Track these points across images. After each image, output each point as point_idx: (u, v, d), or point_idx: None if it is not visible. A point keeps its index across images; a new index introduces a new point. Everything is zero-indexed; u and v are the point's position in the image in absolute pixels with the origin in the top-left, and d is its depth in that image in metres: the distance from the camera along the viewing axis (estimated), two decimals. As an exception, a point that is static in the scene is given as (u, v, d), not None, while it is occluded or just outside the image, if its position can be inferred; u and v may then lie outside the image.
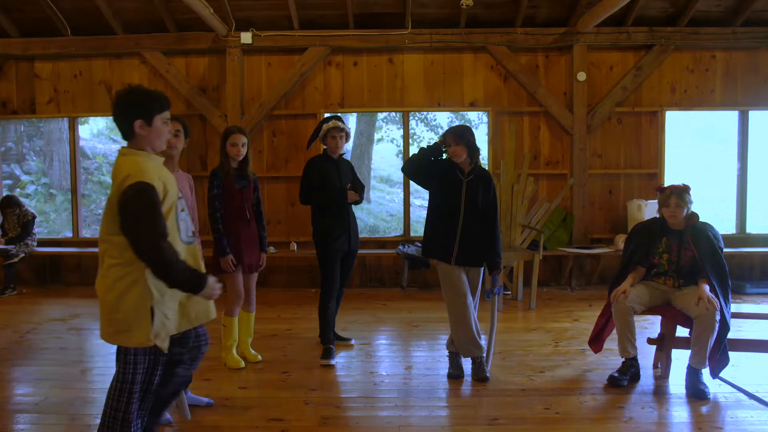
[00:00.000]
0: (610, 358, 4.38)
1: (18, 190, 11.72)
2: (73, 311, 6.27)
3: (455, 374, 4.16)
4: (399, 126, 13.08)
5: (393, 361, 4.70)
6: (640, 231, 4.27)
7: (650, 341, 4.33)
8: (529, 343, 5.00)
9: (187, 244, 2.72)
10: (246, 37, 7.28)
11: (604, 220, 7.58)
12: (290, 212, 7.58)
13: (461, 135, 4.01)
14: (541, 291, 6.99)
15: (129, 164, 2.53)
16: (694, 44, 7.34)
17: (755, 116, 7.52)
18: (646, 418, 3.50)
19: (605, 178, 7.54)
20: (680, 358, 4.11)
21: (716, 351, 3.80)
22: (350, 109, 7.75)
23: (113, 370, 2.69)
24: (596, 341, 4.28)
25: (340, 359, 4.63)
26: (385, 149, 14.17)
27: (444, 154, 4.13)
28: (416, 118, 13.34)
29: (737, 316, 4.30)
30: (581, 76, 7.28)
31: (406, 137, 7.87)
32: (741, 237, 7.49)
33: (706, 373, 3.88)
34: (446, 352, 4.30)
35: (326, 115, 4.95)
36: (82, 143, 9.82)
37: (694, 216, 4.09)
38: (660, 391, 3.91)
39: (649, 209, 6.85)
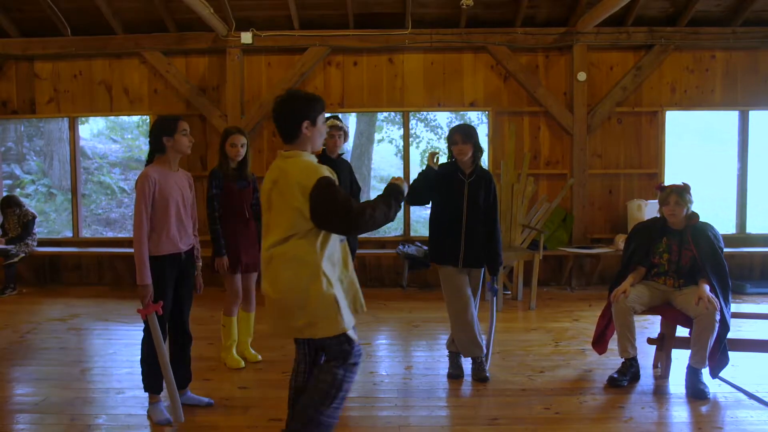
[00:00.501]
0: (610, 358, 4.38)
1: (18, 190, 11.73)
2: (72, 311, 6.27)
3: (455, 374, 4.16)
4: (399, 126, 13.08)
5: (393, 361, 4.71)
6: (641, 231, 4.27)
7: (650, 341, 4.33)
8: (529, 343, 5.00)
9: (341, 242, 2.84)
10: (246, 37, 7.28)
11: (604, 220, 7.58)
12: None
13: (470, 134, 4.02)
14: (541, 291, 6.99)
15: (301, 165, 2.69)
16: (694, 44, 7.34)
17: (755, 116, 7.52)
18: (646, 418, 3.50)
19: (605, 178, 7.54)
20: (680, 358, 4.11)
21: (716, 351, 3.80)
22: (350, 109, 7.75)
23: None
24: (599, 343, 4.27)
25: (340, 359, 4.63)
26: (385, 149, 14.18)
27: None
28: (416, 118, 13.34)
29: (737, 316, 4.30)
30: (581, 76, 7.28)
31: (406, 137, 7.88)
32: (741, 237, 7.49)
33: (706, 372, 3.89)
34: (446, 352, 4.29)
35: (326, 115, 4.94)
36: (82, 143, 9.82)
37: (695, 216, 4.09)
38: (660, 391, 3.91)
39: (649, 209, 6.86)
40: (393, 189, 2.81)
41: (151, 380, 3.47)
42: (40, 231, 8.13)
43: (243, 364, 4.42)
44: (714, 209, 9.44)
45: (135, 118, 13.31)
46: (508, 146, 6.75)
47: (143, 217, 3.30)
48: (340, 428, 3.45)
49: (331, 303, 2.69)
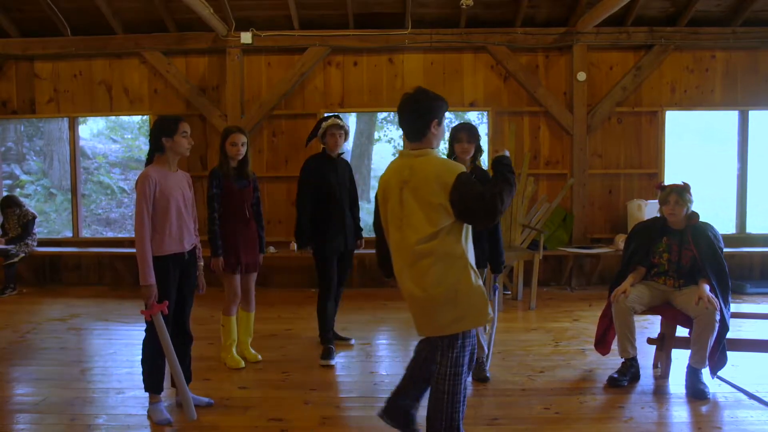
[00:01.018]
0: (610, 358, 4.37)
1: (18, 190, 11.73)
2: (72, 311, 6.27)
3: (455, 374, 4.15)
4: (398, 126, 13.05)
5: (393, 361, 4.70)
6: (641, 231, 4.27)
7: (650, 341, 4.33)
8: (529, 343, 5.00)
9: None
10: (246, 37, 7.28)
11: (604, 220, 7.58)
12: (290, 212, 7.56)
13: (475, 134, 4.04)
14: (541, 291, 6.99)
15: (436, 162, 2.76)
16: (694, 44, 7.34)
17: (755, 116, 7.51)
18: (646, 418, 3.50)
19: (605, 178, 7.53)
20: (680, 358, 4.11)
21: (715, 351, 3.80)
22: (350, 109, 7.74)
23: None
24: (602, 343, 4.27)
25: (339, 359, 4.63)
26: (384, 149, 14.16)
27: None
28: (416, 118, 13.31)
29: (737, 316, 4.30)
30: (581, 76, 7.28)
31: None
32: (741, 237, 7.48)
33: (705, 372, 3.89)
34: (446, 352, 4.29)
35: (326, 114, 4.95)
36: (82, 143, 9.83)
37: (695, 216, 4.09)
38: (660, 391, 3.91)
39: (649, 209, 6.85)
40: (500, 163, 2.85)
41: (152, 380, 3.47)
42: (40, 231, 8.13)
43: (243, 364, 4.42)
44: (714, 209, 9.44)
45: (135, 118, 13.30)
46: (508, 146, 6.74)
47: (144, 217, 3.30)
48: (340, 428, 3.45)
49: (480, 294, 2.75)
